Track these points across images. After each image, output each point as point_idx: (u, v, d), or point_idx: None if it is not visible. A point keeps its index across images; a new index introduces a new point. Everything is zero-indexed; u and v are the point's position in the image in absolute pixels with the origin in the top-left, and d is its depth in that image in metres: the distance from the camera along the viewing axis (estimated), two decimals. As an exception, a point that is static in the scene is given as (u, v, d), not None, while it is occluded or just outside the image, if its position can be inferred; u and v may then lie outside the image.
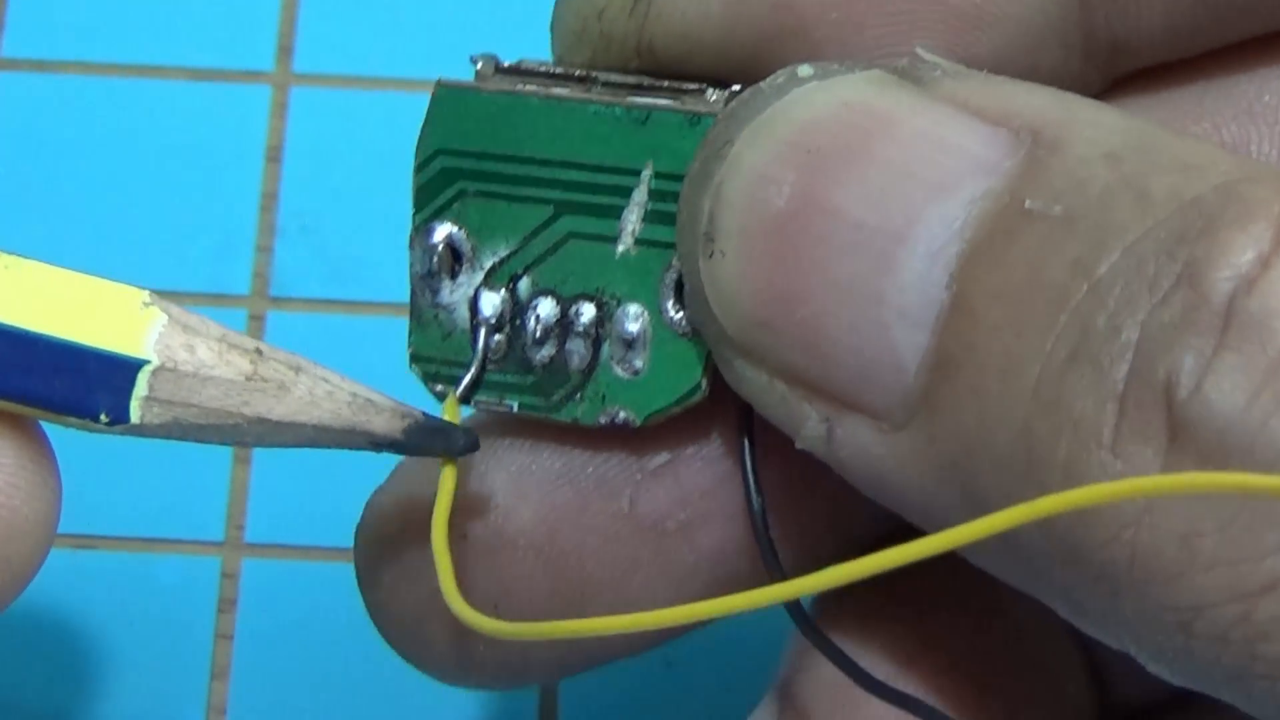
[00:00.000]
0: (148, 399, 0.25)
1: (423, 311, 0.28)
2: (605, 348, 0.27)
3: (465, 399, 0.28)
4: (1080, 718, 0.30)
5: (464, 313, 0.27)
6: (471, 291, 0.27)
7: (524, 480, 0.28)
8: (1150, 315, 0.22)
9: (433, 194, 0.27)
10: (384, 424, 0.26)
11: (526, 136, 0.27)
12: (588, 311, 0.27)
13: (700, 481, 0.28)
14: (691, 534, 0.28)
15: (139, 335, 0.25)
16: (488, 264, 0.27)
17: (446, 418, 0.27)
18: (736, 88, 0.26)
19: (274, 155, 0.43)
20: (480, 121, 0.27)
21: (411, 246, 0.27)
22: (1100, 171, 0.23)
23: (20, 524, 0.25)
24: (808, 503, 0.28)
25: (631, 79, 0.27)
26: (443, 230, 0.27)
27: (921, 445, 0.24)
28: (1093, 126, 0.24)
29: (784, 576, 0.27)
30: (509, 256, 0.27)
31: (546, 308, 0.27)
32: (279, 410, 0.25)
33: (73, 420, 0.25)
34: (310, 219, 0.42)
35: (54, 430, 0.40)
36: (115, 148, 0.43)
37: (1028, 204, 0.23)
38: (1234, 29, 0.27)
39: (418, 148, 0.27)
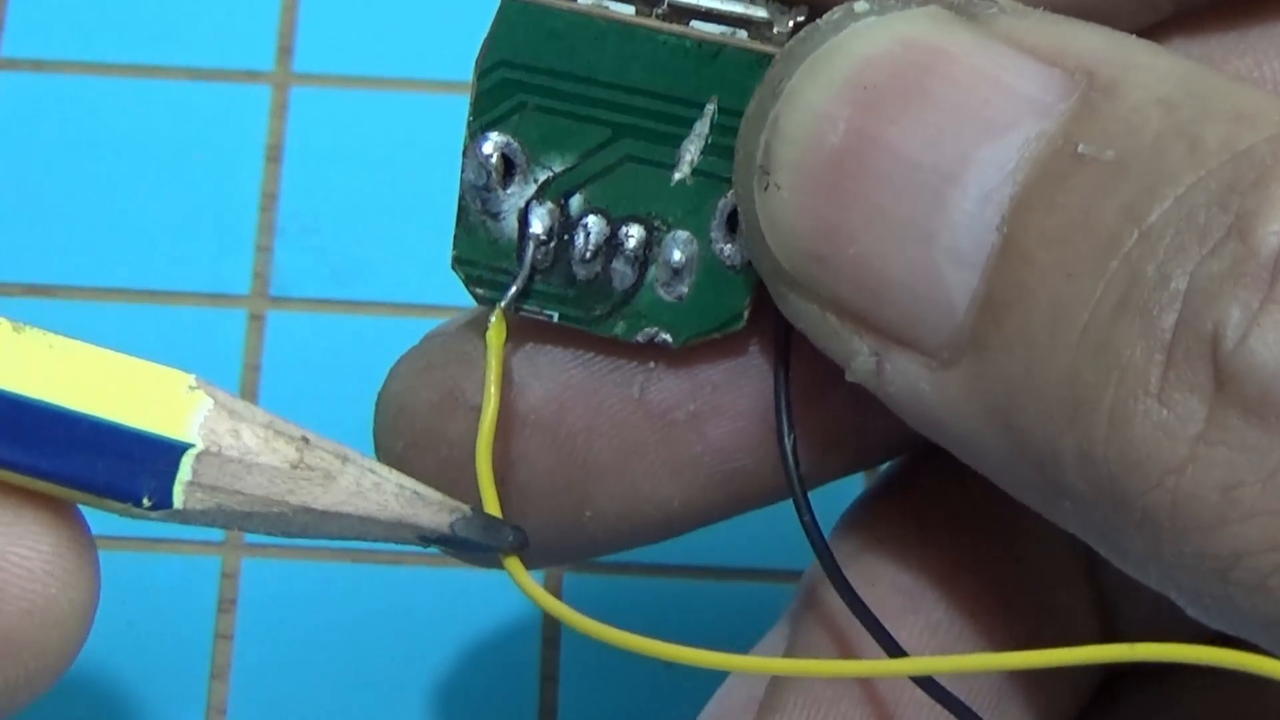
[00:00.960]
0: (191, 484, 0.24)
1: (470, 217, 0.27)
2: (651, 270, 0.27)
3: (511, 309, 0.28)
4: (1087, 676, 0.30)
5: (512, 223, 0.27)
6: (522, 203, 0.27)
7: (538, 358, 0.28)
8: (1199, 266, 0.22)
9: (491, 104, 0.27)
10: (431, 517, 0.26)
11: (593, 58, 0.26)
12: (637, 234, 0.27)
13: (713, 375, 0.28)
14: (699, 426, 0.28)
15: (184, 418, 0.24)
16: (541, 178, 0.27)
17: (493, 329, 0.27)
18: (801, 19, 0.27)
19: (274, 155, 0.43)
20: (547, 38, 0.26)
21: (465, 153, 0.27)
22: (1154, 117, 0.23)
23: (57, 612, 0.24)
24: (827, 404, 0.28)
25: None
26: (498, 140, 0.27)
27: (969, 384, 0.24)
28: (1148, 71, 0.24)
29: (812, 517, 0.28)
30: (563, 172, 0.27)
31: (596, 226, 0.27)
32: (324, 500, 0.25)
33: (114, 505, 0.25)
34: (310, 219, 0.43)
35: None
36: (115, 148, 0.43)
37: (1080, 148, 0.23)
38: None
39: (480, 55, 0.27)
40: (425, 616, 0.39)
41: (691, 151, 0.27)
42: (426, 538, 0.26)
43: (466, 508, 0.26)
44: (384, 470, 0.25)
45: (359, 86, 0.44)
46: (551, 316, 0.28)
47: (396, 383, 0.29)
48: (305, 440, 0.25)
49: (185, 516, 0.25)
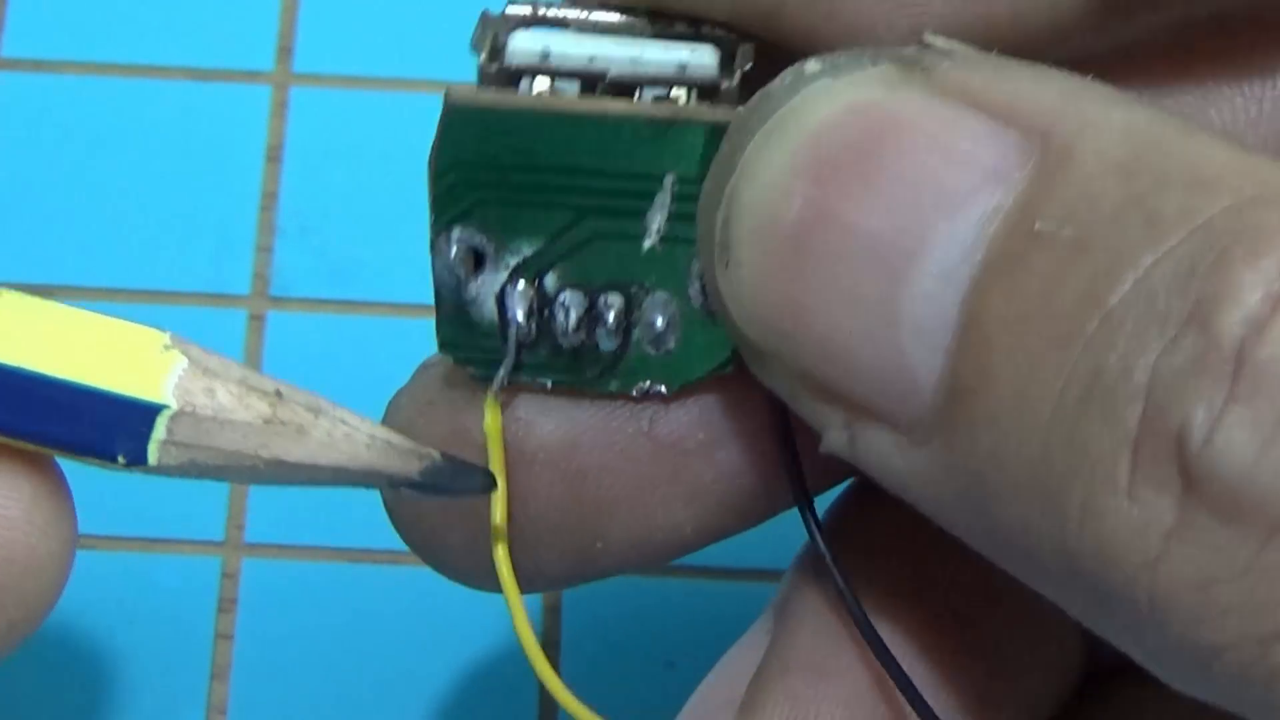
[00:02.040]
0: (166, 442, 0.25)
1: (448, 307, 0.27)
2: (636, 332, 0.27)
3: (503, 391, 0.28)
4: (1068, 674, 0.30)
5: (491, 306, 0.27)
6: (497, 288, 0.27)
7: (544, 396, 0.28)
8: (1161, 358, 0.22)
9: (450, 203, 0.27)
10: (401, 465, 0.26)
11: (544, 149, 0.26)
12: (616, 303, 0.27)
13: (721, 400, 0.28)
14: (711, 452, 0.28)
15: (158, 379, 0.25)
16: (511, 262, 0.27)
17: (489, 418, 0.28)
18: (749, 67, 0.26)
19: (274, 155, 0.43)
20: (495, 136, 0.26)
21: (433, 249, 0.27)
22: (1111, 187, 0.23)
23: (38, 559, 0.25)
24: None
25: (641, 24, 0.27)
26: (463, 234, 0.27)
27: (941, 463, 0.24)
28: (1103, 130, 0.23)
29: (818, 523, 0.28)
30: (532, 255, 0.27)
31: (574, 301, 0.27)
32: (296, 453, 0.25)
33: (91, 460, 0.25)
34: (310, 219, 0.43)
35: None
36: (115, 148, 0.43)
37: (1038, 225, 0.23)
38: None
39: (431, 159, 0.26)
40: (425, 617, 0.39)
41: (657, 220, 0.27)
42: (396, 484, 0.26)
43: (436, 454, 0.26)
44: (356, 420, 0.26)
45: (359, 86, 0.44)
46: (545, 384, 0.28)
47: (398, 417, 0.29)
48: (278, 394, 0.25)
49: (160, 471, 0.25)
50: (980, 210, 0.24)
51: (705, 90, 0.26)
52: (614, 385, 0.28)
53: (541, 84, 0.26)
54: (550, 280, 0.27)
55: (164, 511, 0.40)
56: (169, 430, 0.25)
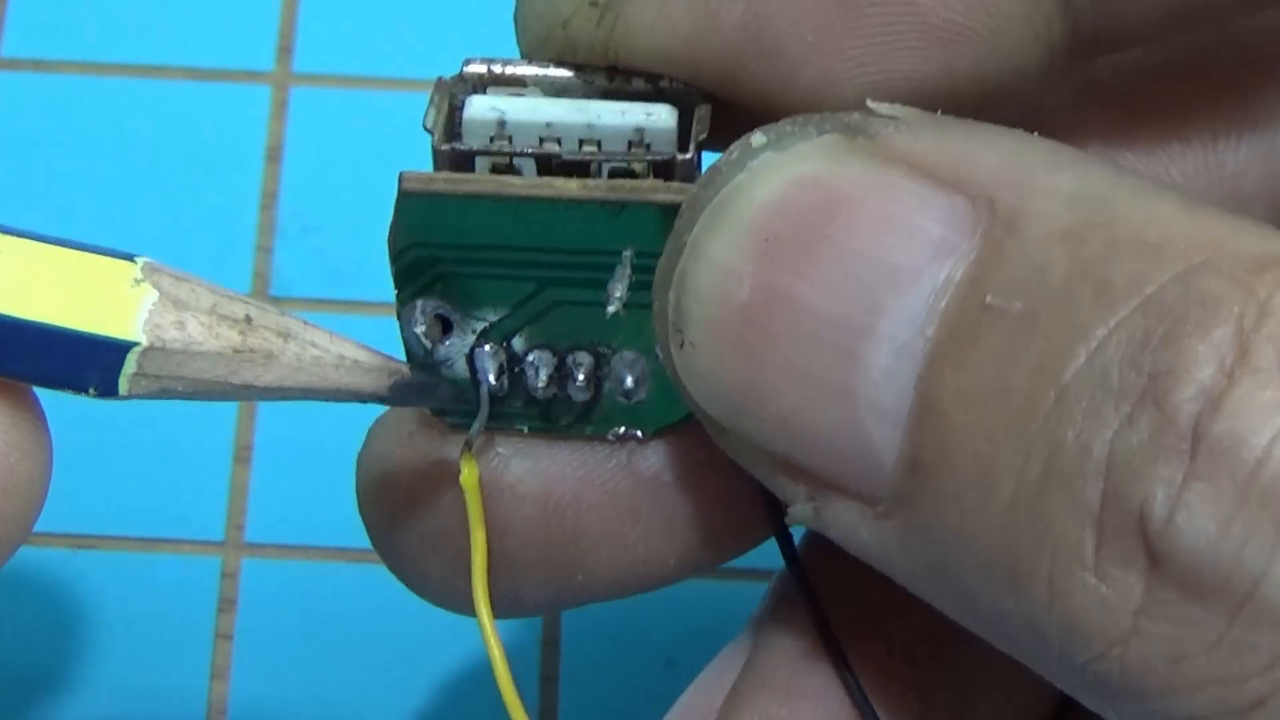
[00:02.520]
0: (136, 375, 0.25)
1: (419, 366, 0.28)
2: (607, 385, 0.27)
3: (478, 444, 0.28)
4: (1043, 701, 0.30)
5: (462, 364, 0.27)
6: (466, 349, 0.27)
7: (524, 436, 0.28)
8: (1118, 436, 0.22)
9: (410, 279, 0.27)
10: (371, 382, 0.26)
11: (500, 230, 0.26)
12: (585, 361, 0.27)
13: (700, 433, 0.28)
14: (691, 485, 0.28)
15: (129, 315, 0.25)
16: (478, 327, 0.27)
17: (465, 473, 0.28)
18: (704, 137, 0.26)
19: (274, 155, 0.43)
20: (451, 219, 0.26)
21: (399, 317, 0.27)
22: (1059, 256, 0.23)
23: (16, 481, 0.25)
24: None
25: (602, 80, 0.26)
26: (427, 304, 0.27)
27: (906, 538, 0.24)
28: (1050, 195, 0.23)
29: (793, 550, 0.28)
30: (498, 321, 0.27)
31: (544, 360, 0.27)
32: (266, 378, 0.25)
33: (62, 390, 0.25)
34: (310, 219, 0.43)
35: (51, 424, 0.40)
36: (115, 148, 0.43)
37: (989, 299, 0.23)
38: (1198, 28, 0.27)
39: (389, 239, 0.26)
40: (425, 617, 0.39)
41: (619, 289, 0.26)
42: (365, 399, 0.26)
43: (405, 369, 0.26)
44: (325, 341, 0.26)
45: (359, 86, 0.44)
46: (522, 429, 0.28)
47: (378, 447, 0.29)
48: (248, 320, 0.25)
49: (129, 398, 0.25)
50: (930, 284, 0.23)
51: (661, 166, 0.26)
52: (589, 430, 0.28)
53: (496, 161, 0.26)
54: (518, 342, 0.27)
55: (164, 511, 0.40)
56: (139, 364, 0.25)
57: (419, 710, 0.38)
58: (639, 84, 0.26)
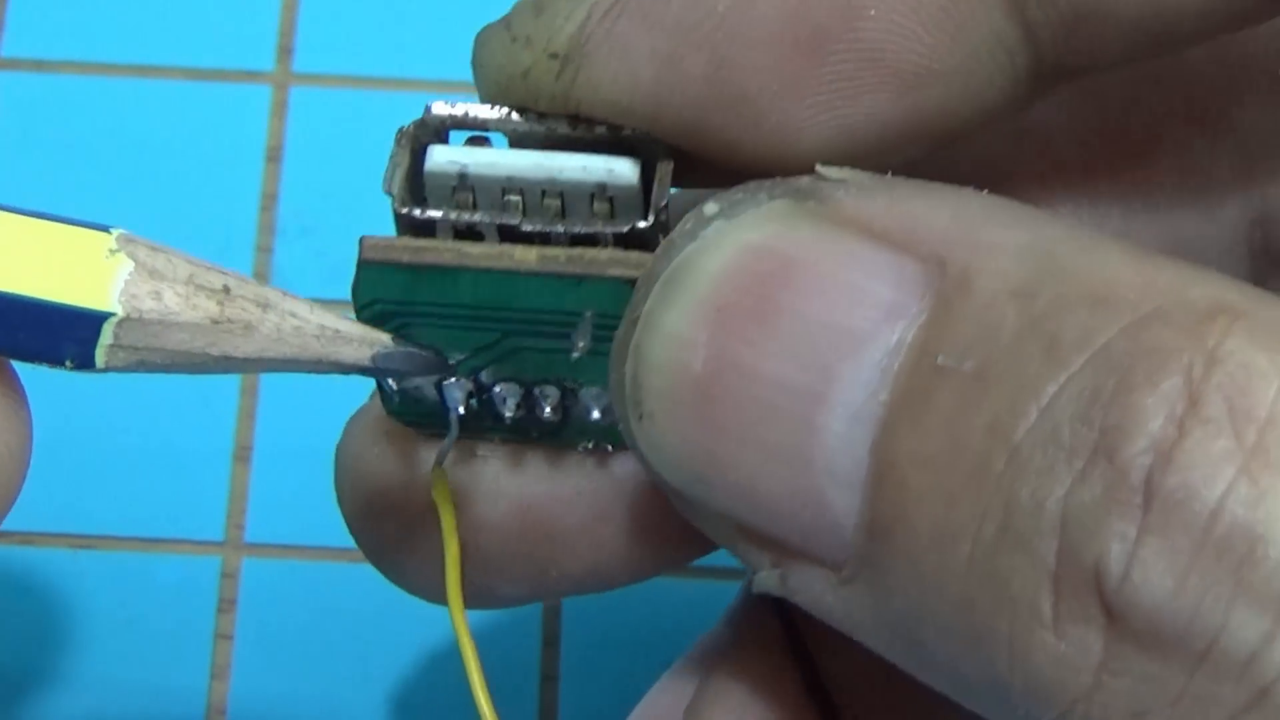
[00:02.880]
0: (113, 346, 0.25)
1: (390, 394, 0.28)
2: (574, 410, 0.27)
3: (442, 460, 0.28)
4: None
5: (431, 392, 0.27)
6: (433, 382, 0.27)
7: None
8: (1072, 493, 0.22)
9: (374, 326, 0.27)
10: (352, 353, 0.26)
11: (461, 294, 0.26)
12: (552, 393, 0.27)
13: None
14: None
15: (104, 285, 0.24)
16: (444, 358, 0.27)
17: (436, 489, 0.28)
18: (665, 203, 0.26)
19: (274, 155, 0.43)
20: (408, 284, 0.26)
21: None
22: (1009, 313, 0.23)
23: None
24: None
25: (565, 127, 0.26)
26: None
27: (870, 601, 0.24)
28: (999, 252, 0.23)
29: None
30: (463, 359, 0.27)
31: (511, 391, 0.27)
32: (246, 349, 0.25)
33: (38, 363, 0.25)
34: (310, 219, 0.43)
35: (50, 424, 0.40)
36: (115, 148, 0.43)
37: (940, 360, 0.23)
38: (1163, 54, 0.27)
39: (352, 293, 0.26)
40: (425, 617, 0.39)
41: (581, 341, 0.26)
42: (347, 370, 0.26)
43: (386, 338, 0.26)
44: (305, 311, 0.26)
45: (359, 86, 0.44)
46: (493, 438, 0.28)
47: (354, 444, 0.29)
48: (226, 290, 0.25)
49: (107, 371, 0.25)
50: (882, 348, 0.23)
51: (621, 236, 0.26)
52: (560, 443, 0.28)
53: (458, 219, 0.26)
54: (485, 375, 0.27)
55: (164, 511, 0.40)
56: (115, 335, 0.24)
57: (419, 710, 0.38)
58: (601, 131, 0.26)
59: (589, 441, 0.28)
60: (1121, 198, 0.29)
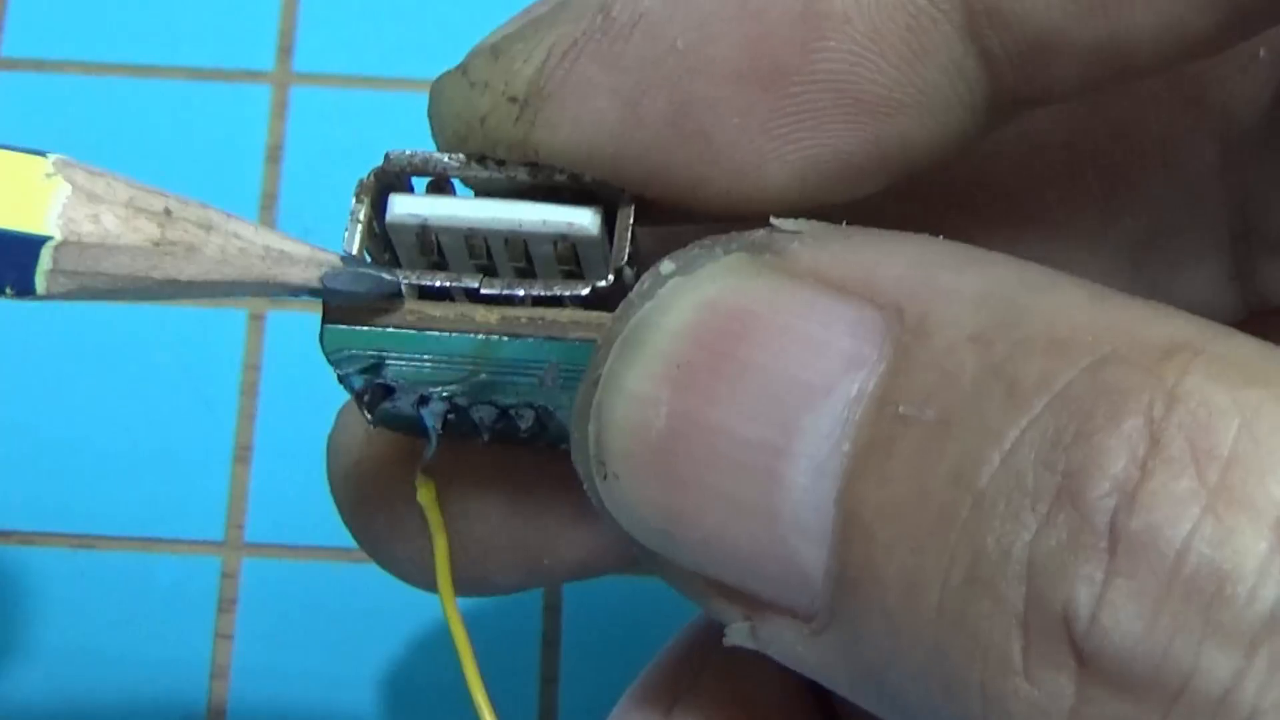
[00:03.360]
0: (53, 271, 0.24)
1: (368, 415, 0.28)
2: (551, 424, 0.28)
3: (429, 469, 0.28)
4: None
5: (410, 411, 0.27)
6: (411, 404, 0.27)
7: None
8: (1037, 538, 0.22)
9: (347, 369, 0.27)
10: (300, 274, 0.26)
11: (425, 350, 0.26)
12: (528, 414, 0.27)
13: None
14: None
15: (41, 209, 0.24)
16: (419, 392, 0.27)
17: (421, 493, 0.28)
18: (624, 261, 0.26)
19: (274, 155, 0.43)
20: (374, 340, 0.26)
21: (339, 382, 0.27)
22: (968, 359, 0.23)
23: None
24: None
25: (524, 175, 0.26)
26: (366, 381, 0.27)
27: (841, 652, 0.24)
28: (955, 298, 0.23)
29: None
30: (436, 389, 0.27)
31: (487, 412, 0.27)
32: (189, 271, 0.25)
33: None
34: (310, 219, 0.42)
35: (50, 424, 0.40)
36: (115, 147, 0.43)
37: (901, 409, 0.23)
38: (1121, 84, 0.27)
39: (319, 341, 0.26)
40: (426, 617, 0.39)
41: (549, 378, 0.26)
42: (297, 292, 0.26)
43: (334, 258, 0.26)
44: (249, 232, 0.25)
45: (359, 86, 0.44)
46: (478, 441, 0.28)
47: (346, 432, 0.30)
48: (167, 213, 0.25)
49: (50, 299, 0.25)
50: (843, 398, 0.23)
51: (582, 298, 0.26)
52: (542, 444, 0.28)
53: (418, 282, 0.26)
54: (461, 400, 0.27)
55: (164, 511, 0.40)
56: (54, 260, 0.24)
57: (419, 710, 0.38)
58: (561, 178, 0.26)
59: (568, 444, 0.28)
60: (1105, 182, 0.29)
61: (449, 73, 0.27)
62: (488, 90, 0.26)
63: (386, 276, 0.26)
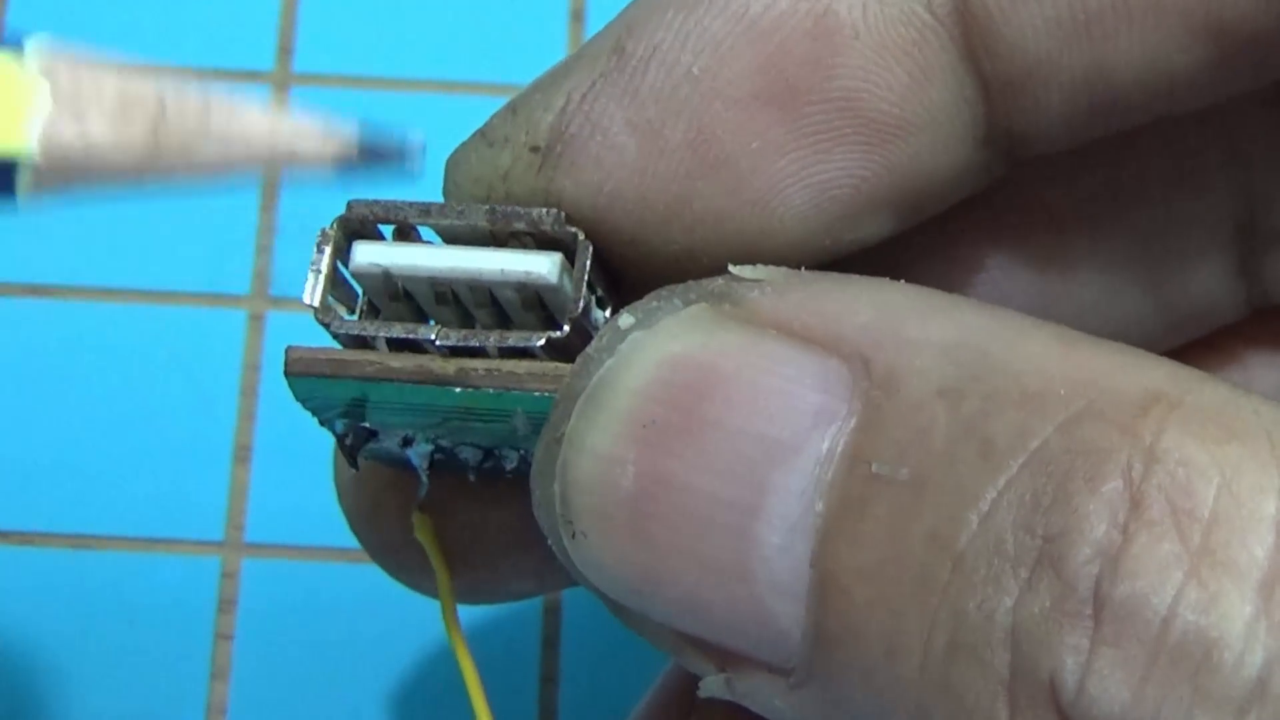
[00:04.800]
0: (36, 184, 0.22)
1: (353, 455, 0.28)
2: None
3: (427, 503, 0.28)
4: None
5: (397, 452, 0.27)
6: (397, 444, 0.27)
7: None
8: (1020, 603, 0.21)
9: (322, 413, 0.27)
10: (312, 152, 0.24)
11: (387, 395, 0.26)
12: (511, 454, 0.27)
13: None
14: None
15: (19, 121, 0.22)
16: (399, 435, 0.27)
17: (419, 529, 0.28)
18: (579, 309, 0.25)
19: (274, 155, 0.43)
20: (338, 390, 0.26)
21: (322, 426, 0.27)
22: (939, 415, 0.22)
23: None
24: None
25: (483, 221, 0.26)
26: (345, 425, 0.27)
27: (821, 707, 0.23)
28: (923, 350, 0.23)
29: None
30: (416, 432, 0.27)
31: (472, 452, 0.27)
32: (186, 169, 0.23)
33: None
34: (310, 219, 0.42)
35: (50, 423, 0.40)
36: (115, 148, 0.43)
37: (874, 468, 0.23)
38: (1114, 127, 0.27)
39: (290, 387, 0.26)
40: (426, 617, 0.39)
41: (520, 426, 0.26)
42: (309, 172, 0.24)
43: (351, 132, 0.24)
44: (254, 119, 0.23)
45: (359, 86, 0.44)
46: (470, 477, 0.28)
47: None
48: (162, 108, 0.23)
49: (35, 205, 0.23)
50: (813, 456, 0.23)
51: (540, 349, 0.26)
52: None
53: (376, 334, 0.26)
54: (445, 442, 0.27)
55: (164, 511, 0.40)
56: (36, 176, 0.22)
57: (419, 710, 0.38)
58: (520, 225, 0.26)
59: None
60: (1110, 177, 0.29)
61: (464, 143, 0.27)
62: (508, 145, 0.26)
63: (406, 147, 0.24)
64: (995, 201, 0.29)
